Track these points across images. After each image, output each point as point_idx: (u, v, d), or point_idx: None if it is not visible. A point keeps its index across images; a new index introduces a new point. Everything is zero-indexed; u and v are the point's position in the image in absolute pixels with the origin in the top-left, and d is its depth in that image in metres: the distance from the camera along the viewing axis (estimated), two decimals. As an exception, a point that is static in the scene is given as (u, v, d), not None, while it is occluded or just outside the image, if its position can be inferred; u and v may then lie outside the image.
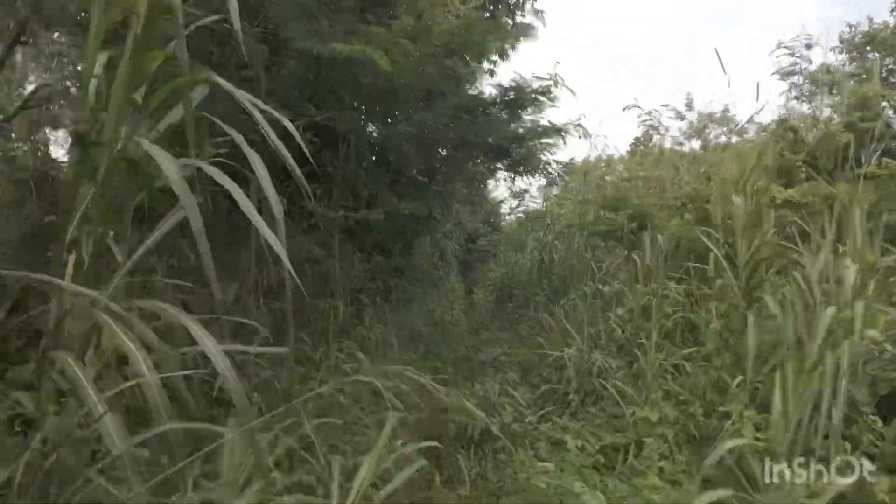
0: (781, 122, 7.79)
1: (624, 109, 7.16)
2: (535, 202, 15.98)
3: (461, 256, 15.05)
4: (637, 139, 19.17)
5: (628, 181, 9.79)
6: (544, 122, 6.71)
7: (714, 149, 12.15)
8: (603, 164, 16.97)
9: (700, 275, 5.71)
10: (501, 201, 11.32)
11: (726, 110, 12.77)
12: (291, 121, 5.96)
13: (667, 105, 7.18)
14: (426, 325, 7.11)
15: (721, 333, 4.16)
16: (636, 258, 5.89)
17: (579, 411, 4.84)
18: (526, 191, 8.38)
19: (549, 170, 7.62)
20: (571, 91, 6.40)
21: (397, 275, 9.13)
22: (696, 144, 14.57)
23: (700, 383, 4.15)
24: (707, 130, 13.84)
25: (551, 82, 6.30)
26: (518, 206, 17.33)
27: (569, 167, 8.31)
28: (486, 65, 6.43)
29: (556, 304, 7.19)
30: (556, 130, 6.74)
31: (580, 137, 6.89)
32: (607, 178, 13.70)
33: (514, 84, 6.43)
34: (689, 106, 13.28)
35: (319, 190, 5.27)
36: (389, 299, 8.17)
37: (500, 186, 12.62)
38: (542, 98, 6.42)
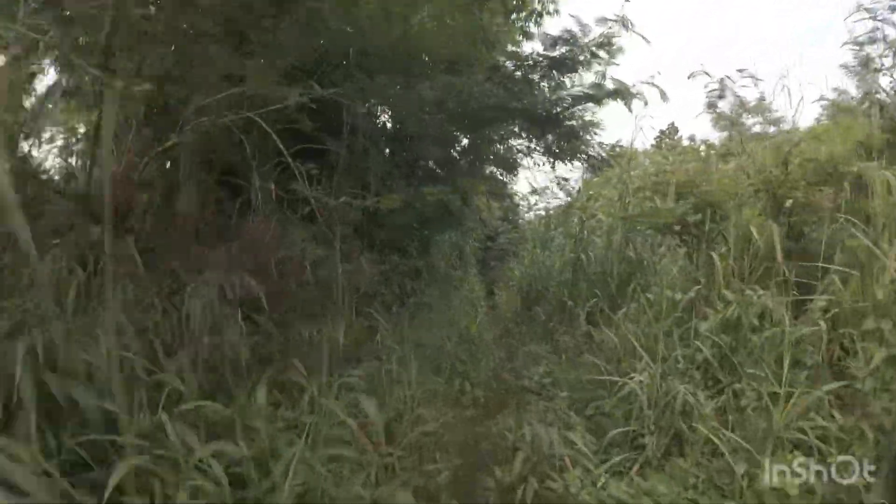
0: (866, 96, 6.37)
1: (689, 77, 5.77)
2: (557, 198, 14.55)
3: (479, 255, 13.75)
4: (662, 132, 17.73)
5: (655, 175, 8.42)
6: (607, 83, 5.28)
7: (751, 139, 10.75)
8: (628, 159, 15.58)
9: (798, 276, 4.35)
10: (533, 190, 9.89)
11: (762, 98, 11.33)
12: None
13: (742, 70, 5.71)
14: (449, 338, 5.79)
15: (883, 366, 2.83)
16: (714, 257, 4.52)
17: (659, 461, 3.49)
18: (566, 178, 7.05)
19: (592, 153, 6.25)
20: (644, 38, 4.99)
21: (415, 277, 7.84)
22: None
23: (852, 436, 2.80)
24: (741, 121, 12.43)
25: (617, 27, 4.89)
26: (536, 203, 15.97)
27: (615, 150, 6.86)
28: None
29: (601, 311, 5.83)
30: (625, 92, 5.28)
31: (645, 105, 5.46)
32: (632, 172, 12.36)
33: (566, 35, 4.99)
34: (721, 94, 11.80)
35: (316, 171, 3.99)
36: (406, 303, 6.88)
37: (519, 181, 11.18)
38: (601, 53, 5.04)
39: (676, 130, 16.63)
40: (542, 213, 14.49)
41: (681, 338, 4.04)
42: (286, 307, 3.79)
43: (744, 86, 5.62)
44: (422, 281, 8.13)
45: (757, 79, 5.48)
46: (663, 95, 5.51)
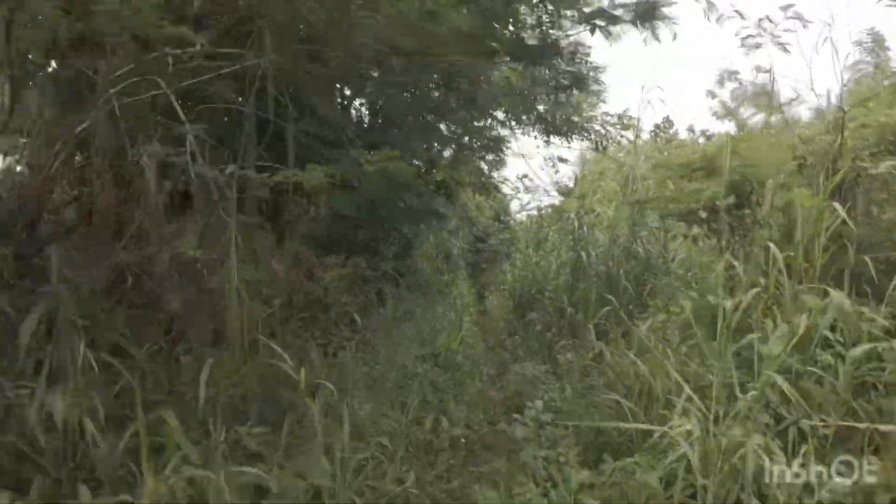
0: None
1: (717, 20, 4.36)
2: (549, 196, 13.25)
3: (469, 257, 12.42)
4: (657, 125, 16.40)
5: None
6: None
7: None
8: (622, 153, 14.31)
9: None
10: (525, 176, 8.49)
11: (765, 85, 10.05)
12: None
13: (787, 7, 4.22)
14: (425, 358, 4.47)
15: None
16: (773, 249, 3.19)
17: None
18: (563, 159, 5.71)
19: (595, 126, 4.91)
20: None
21: (393, 283, 6.53)
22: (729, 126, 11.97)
23: None
24: (742, 110, 11.23)
25: None
26: (528, 203, 14.74)
27: (623, 121, 5.44)
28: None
29: (615, 317, 4.51)
30: (654, 5, 3.77)
31: (674, 38, 4.05)
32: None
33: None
34: (722, 82, 10.50)
35: (202, 131, 2.66)
36: (379, 315, 5.57)
37: (509, 171, 9.82)
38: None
39: (672, 124, 15.35)
40: (535, 212, 13.20)
41: (743, 365, 2.72)
42: (163, 332, 2.47)
43: (787, 29, 4.25)
44: (401, 287, 6.84)
45: (805, 20, 4.13)
46: (710, 7, 4.02)
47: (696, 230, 4.33)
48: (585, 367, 3.86)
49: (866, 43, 8.87)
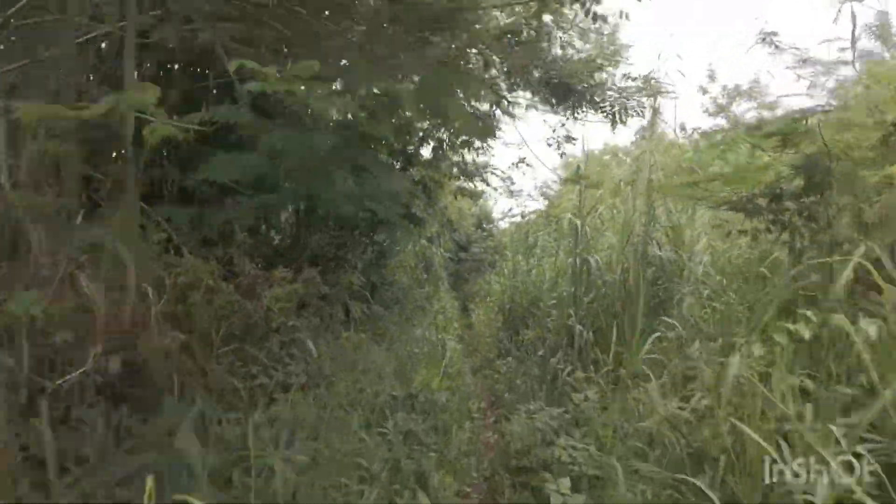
0: None
1: None
2: (532, 199, 12.26)
3: (450, 267, 11.32)
4: (642, 126, 15.51)
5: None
6: None
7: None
8: (608, 156, 13.40)
9: None
10: (521, 161, 7.28)
11: (756, 81, 9.20)
12: None
13: None
14: (396, 401, 3.28)
15: None
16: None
17: None
18: (572, 138, 4.64)
19: (611, 93, 3.80)
20: None
21: (358, 298, 5.35)
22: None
23: None
24: (733, 106, 10.35)
25: None
26: (511, 209, 13.75)
27: (647, 84, 4.24)
28: None
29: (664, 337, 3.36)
30: None
31: None
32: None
33: None
34: (712, 78, 9.56)
35: None
36: (347, 336, 4.39)
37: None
38: None
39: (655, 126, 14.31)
40: (519, 217, 12.14)
41: None
42: None
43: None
44: (374, 303, 5.67)
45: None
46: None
47: (755, 223, 3.23)
48: (609, 408, 2.71)
49: (874, 27, 7.99)
